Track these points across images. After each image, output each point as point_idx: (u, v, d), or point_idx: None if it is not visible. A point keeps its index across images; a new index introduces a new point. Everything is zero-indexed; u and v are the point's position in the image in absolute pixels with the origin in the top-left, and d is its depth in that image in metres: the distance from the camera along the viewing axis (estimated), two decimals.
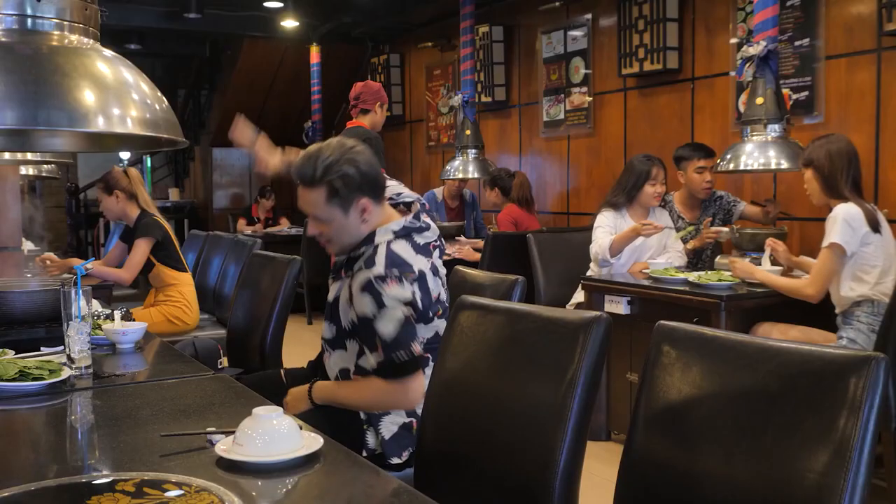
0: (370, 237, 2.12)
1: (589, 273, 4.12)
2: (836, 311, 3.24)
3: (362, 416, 2.13)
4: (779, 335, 3.23)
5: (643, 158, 4.12)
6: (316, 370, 2.38)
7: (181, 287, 3.96)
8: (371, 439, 2.11)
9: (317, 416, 2.03)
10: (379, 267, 2.03)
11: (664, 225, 4.10)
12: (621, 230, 4.01)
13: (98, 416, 1.83)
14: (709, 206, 4.33)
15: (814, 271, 3.20)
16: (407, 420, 2.11)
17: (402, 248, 2.10)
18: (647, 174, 4.05)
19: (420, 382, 2.04)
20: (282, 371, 2.59)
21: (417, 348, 2.03)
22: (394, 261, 2.06)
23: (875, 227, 3.11)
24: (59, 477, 1.32)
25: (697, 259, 4.24)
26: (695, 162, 4.21)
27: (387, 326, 2.00)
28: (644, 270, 3.89)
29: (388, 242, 2.10)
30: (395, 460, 2.08)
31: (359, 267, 2.08)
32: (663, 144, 5.19)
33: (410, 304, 2.03)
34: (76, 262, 3.86)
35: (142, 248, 3.85)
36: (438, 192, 6.27)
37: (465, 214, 6.27)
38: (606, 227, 4.05)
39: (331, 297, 2.21)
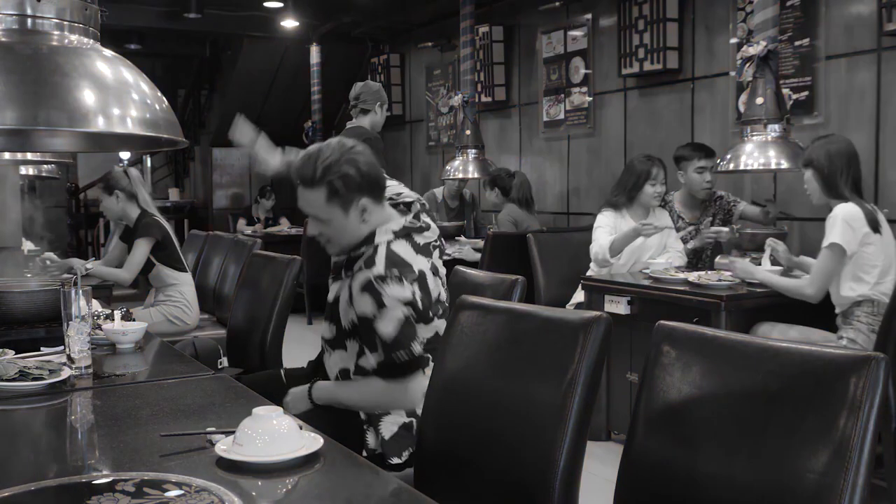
0: (370, 237, 2.11)
1: (589, 273, 4.12)
2: (836, 310, 3.24)
3: (362, 416, 2.13)
4: (779, 335, 3.23)
5: (643, 158, 4.13)
6: (316, 370, 2.38)
7: (181, 287, 3.96)
8: (371, 439, 2.11)
9: (316, 417, 2.02)
10: (379, 267, 2.03)
11: (664, 225, 4.11)
12: (621, 230, 4.02)
13: (98, 416, 1.83)
14: (709, 207, 4.33)
15: (813, 271, 3.20)
16: (407, 420, 2.11)
17: (402, 248, 2.10)
18: (647, 174, 4.06)
19: (420, 382, 2.04)
20: (282, 371, 2.59)
21: (417, 348, 2.04)
22: (394, 261, 2.06)
23: (875, 227, 3.11)
24: (59, 477, 1.32)
25: (697, 259, 4.24)
26: (695, 162, 4.21)
27: (387, 326, 2.00)
28: (644, 270, 3.89)
29: (388, 242, 2.10)
30: (395, 460, 2.08)
31: (359, 267, 2.08)
32: (663, 144, 5.18)
33: (410, 304, 2.03)
34: (77, 262, 3.87)
35: (142, 248, 3.85)
36: (438, 192, 6.28)
37: (465, 214, 6.27)
38: (606, 227, 4.06)
39: (331, 297, 2.21)
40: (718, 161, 3.85)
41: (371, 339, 2.03)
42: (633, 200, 4.10)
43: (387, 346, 2.02)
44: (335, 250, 2.20)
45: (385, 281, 2.01)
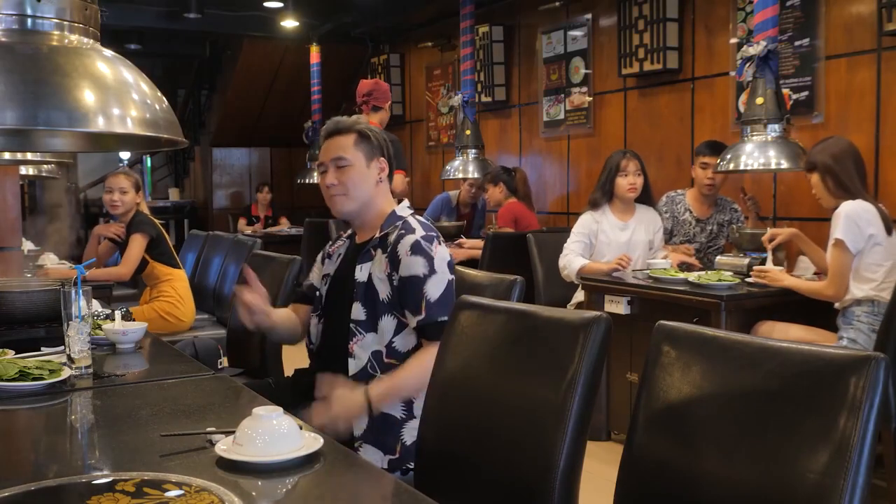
0: (393, 215, 2.25)
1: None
2: (836, 306, 3.22)
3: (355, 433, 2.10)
4: (779, 335, 3.23)
5: (616, 152, 4.25)
6: (301, 378, 2.37)
7: (174, 282, 3.99)
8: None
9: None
10: (420, 230, 2.18)
11: (651, 223, 4.19)
12: (603, 229, 4.14)
13: (98, 416, 1.83)
14: (721, 212, 4.37)
15: (829, 271, 3.19)
16: None
17: (423, 219, 2.28)
18: (616, 166, 4.16)
19: None
20: (269, 380, 2.60)
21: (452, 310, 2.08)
22: (426, 226, 2.22)
23: (889, 228, 3.10)
24: (59, 477, 1.32)
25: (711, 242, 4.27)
26: (700, 158, 4.28)
27: (437, 288, 2.10)
28: (644, 270, 3.90)
29: (412, 214, 2.27)
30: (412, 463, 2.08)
31: (398, 236, 2.17)
32: (663, 144, 5.19)
33: (450, 264, 2.17)
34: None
35: (138, 243, 3.92)
36: (453, 195, 6.26)
37: (475, 220, 6.25)
38: (580, 234, 4.16)
39: (362, 277, 2.20)
40: (718, 161, 3.85)
41: (417, 300, 2.10)
42: (611, 195, 4.18)
43: (431, 307, 2.09)
44: (344, 206, 2.25)
45: (431, 241, 2.15)
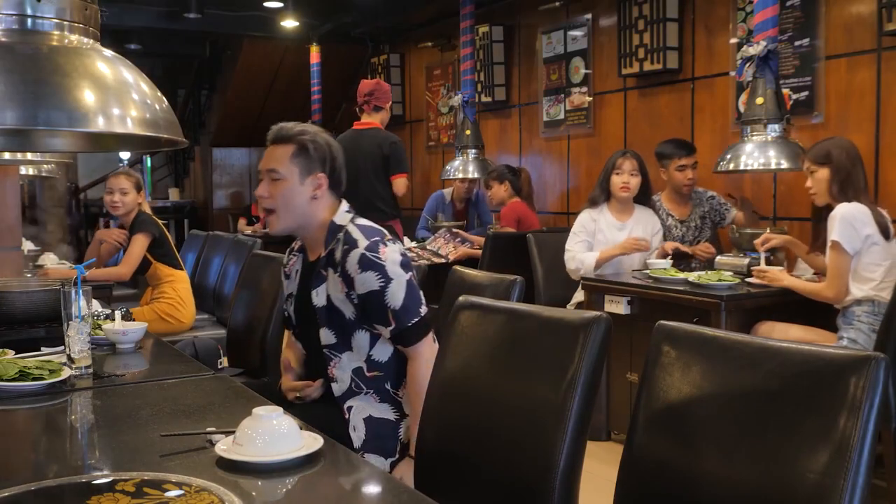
0: (333, 227, 2.17)
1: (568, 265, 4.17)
2: (836, 306, 3.23)
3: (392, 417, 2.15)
4: (779, 335, 3.23)
5: (617, 151, 4.25)
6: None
7: (176, 284, 3.98)
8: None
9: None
10: (361, 240, 2.09)
11: (650, 223, 4.19)
12: (600, 228, 4.13)
13: (98, 416, 1.83)
14: (699, 205, 4.35)
15: (828, 273, 3.19)
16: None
17: (364, 221, 2.20)
18: (612, 165, 4.16)
19: (431, 341, 2.11)
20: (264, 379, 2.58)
21: (423, 308, 2.10)
22: (367, 230, 2.14)
23: (886, 232, 3.10)
24: (59, 477, 1.32)
25: (684, 263, 4.25)
26: (676, 160, 4.24)
27: (397, 295, 2.06)
28: (644, 270, 3.90)
29: (352, 220, 2.18)
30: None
31: (343, 253, 2.10)
32: None
33: (405, 264, 2.10)
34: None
35: (140, 243, 3.89)
36: (447, 192, 6.28)
37: (470, 214, 6.26)
38: (580, 233, 4.16)
39: (321, 302, 2.15)
40: (718, 161, 3.85)
41: (383, 313, 2.07)
42: (608, 194, 4.18)
43: (398, 316, 2.07)
44: (275, 225, 2.19)
45: (376, 248, 2.07)
